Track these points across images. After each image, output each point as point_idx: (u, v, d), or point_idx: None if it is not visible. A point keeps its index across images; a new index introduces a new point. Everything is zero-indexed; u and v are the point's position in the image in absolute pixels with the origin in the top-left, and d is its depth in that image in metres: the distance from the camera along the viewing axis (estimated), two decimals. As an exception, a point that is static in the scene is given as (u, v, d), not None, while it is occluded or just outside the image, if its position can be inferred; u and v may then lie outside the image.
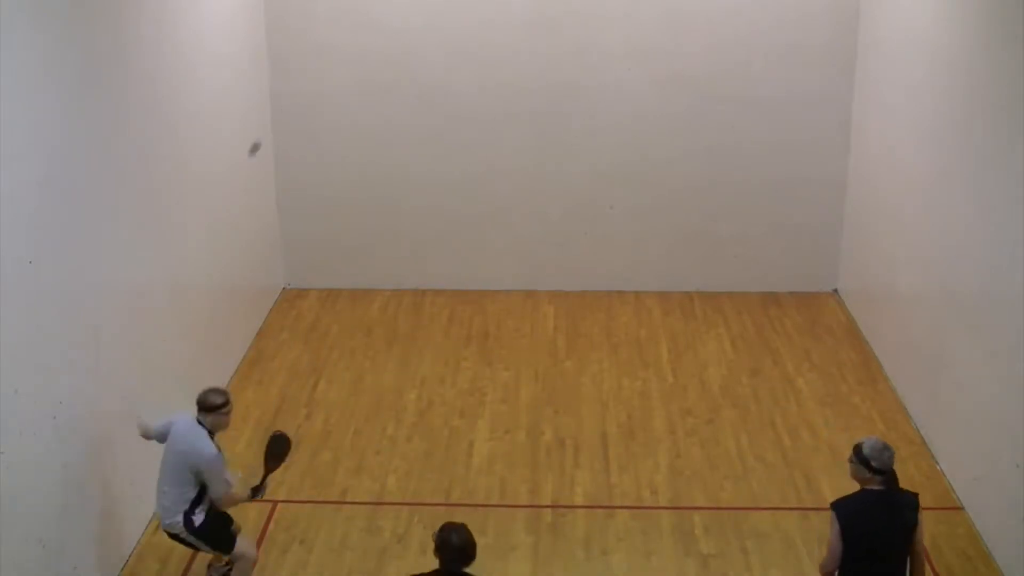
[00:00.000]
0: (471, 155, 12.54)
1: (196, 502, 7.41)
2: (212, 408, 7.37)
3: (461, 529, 6.06)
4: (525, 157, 12.54)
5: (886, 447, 6.44)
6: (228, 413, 7.49)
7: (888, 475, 6.41)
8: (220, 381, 10.62)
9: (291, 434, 9.84)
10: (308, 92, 12.35)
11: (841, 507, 6.41)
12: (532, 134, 12.47)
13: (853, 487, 9.00)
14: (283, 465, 7.95)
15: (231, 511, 7.73)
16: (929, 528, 8.56)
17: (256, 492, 7.65)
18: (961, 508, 8.79)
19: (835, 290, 12.85)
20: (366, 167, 12.59)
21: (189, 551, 8.24)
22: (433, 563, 7.13)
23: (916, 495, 6.53)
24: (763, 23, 12.05)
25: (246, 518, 8.66)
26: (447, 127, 12.45)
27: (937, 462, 9.41)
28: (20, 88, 6.67)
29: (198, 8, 9.98)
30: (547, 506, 8.91)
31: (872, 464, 6.38)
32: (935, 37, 9.80)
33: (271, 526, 8.62)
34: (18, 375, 6.64)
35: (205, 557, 8.21)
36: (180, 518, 7.39)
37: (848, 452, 9.46)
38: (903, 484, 8.96)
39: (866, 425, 9.98)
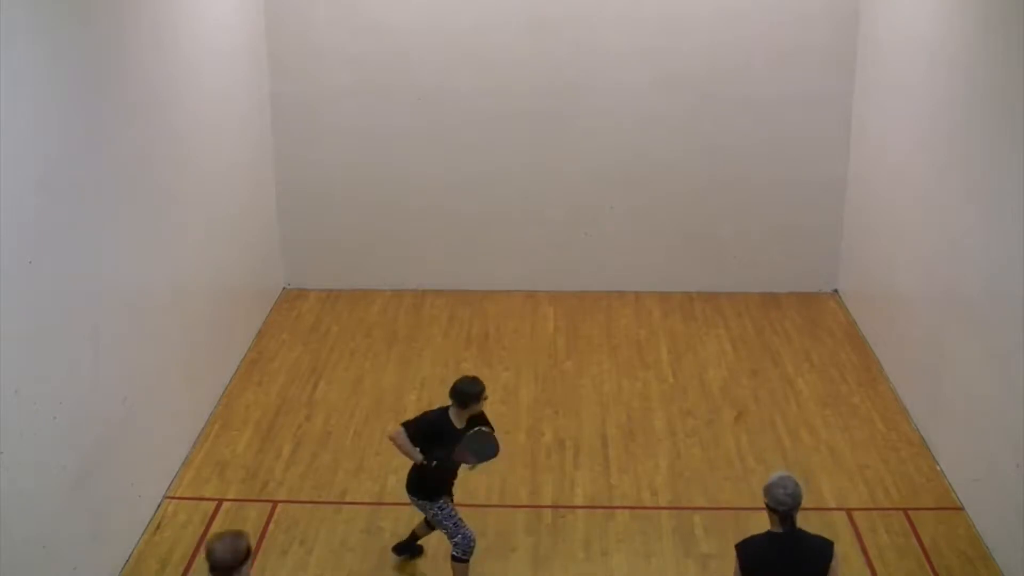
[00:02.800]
0: (471, 156, 12.53)
1: None
2: None
3: (467, 379, 7.67)
4: (525, 157, 12.53)
5: (780, 484, 5.91)
6: None
7: (784, 515, 5.90)
8: (220, 381, 10.65)
9: (291, 435, 9.93)
10: (308, 93, 12.34)
11: (744, 549, 6.03)
12: (532, 135, 12.46)
13: (853, 486, 9.11)
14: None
15: None
16: (929, 528, 8.59)
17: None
18: (961, 508, 8.78)
19: (835, 291, 12.84)
20: (366, 167, 12.58)
21: (189, 551, 8.24)
22: (434, 567, 7.17)
23: (830, 543, 6.02)
24: (763, 24, 12.04)
25: (246, 519, 8.66)
26: (447, 128, 12.44)
27: (937, 462, 9.40)
28: (20, 88, 6.67)
29: (198, 9, 9.98)
30: (547, 507, 8.90)
31: (765, 499, 5.93)
32: (935, 37, 9.80)
33: (271, 527, 8.60)
34: (18, 375, 6.64)
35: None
36: None
37: (848, 452, 9.58)
38: (903, 485, 9.14)
39: (866, 425, 9.98)
